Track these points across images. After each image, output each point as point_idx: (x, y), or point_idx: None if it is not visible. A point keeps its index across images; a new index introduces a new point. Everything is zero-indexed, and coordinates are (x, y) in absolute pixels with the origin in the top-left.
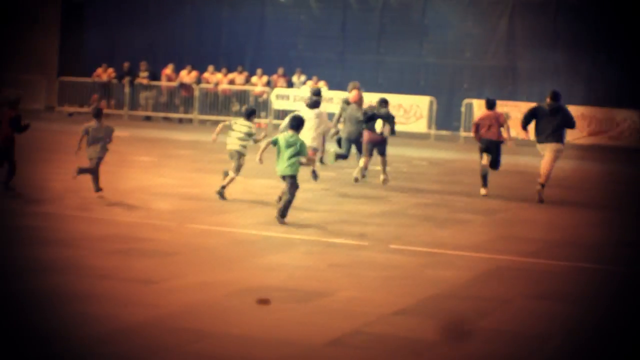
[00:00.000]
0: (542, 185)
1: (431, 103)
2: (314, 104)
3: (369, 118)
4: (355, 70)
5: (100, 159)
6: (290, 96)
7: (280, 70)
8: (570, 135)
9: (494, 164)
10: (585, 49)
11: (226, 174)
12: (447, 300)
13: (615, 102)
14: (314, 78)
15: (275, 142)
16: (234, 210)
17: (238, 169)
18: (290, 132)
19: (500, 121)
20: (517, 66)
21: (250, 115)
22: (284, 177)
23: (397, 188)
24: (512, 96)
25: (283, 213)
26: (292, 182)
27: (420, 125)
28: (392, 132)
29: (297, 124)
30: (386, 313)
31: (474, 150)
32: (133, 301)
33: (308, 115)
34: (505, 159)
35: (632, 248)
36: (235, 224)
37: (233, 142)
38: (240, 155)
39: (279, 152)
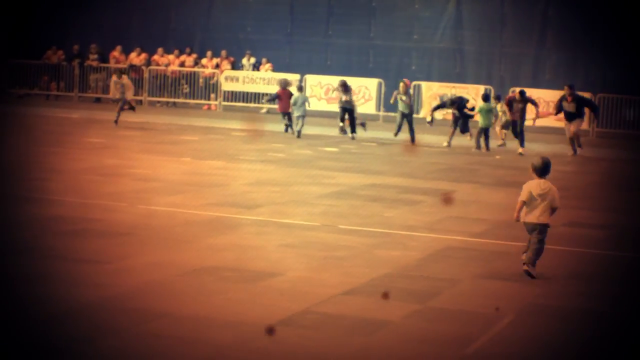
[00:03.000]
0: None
1: (379, 85)
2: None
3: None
4: (303, 53)
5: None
6: (240, 78)
7: (224, 53)
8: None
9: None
10: (530, 33)
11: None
12: (397, 280)
13: (562, 85)
14: (263, 60)
15: (480, 110)
16: (184, 191)
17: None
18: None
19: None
20: (464, 49)
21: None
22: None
23: (346, 169)
24: (460, 79)
25: (487, 148)
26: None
27: (368, 107)
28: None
29: (488, 97)
30: (336, 293)
31: (423, 131)
32: (85, 282)
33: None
34: (457, 141)
35: (582, 228)
36: (185, 205)
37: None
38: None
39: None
